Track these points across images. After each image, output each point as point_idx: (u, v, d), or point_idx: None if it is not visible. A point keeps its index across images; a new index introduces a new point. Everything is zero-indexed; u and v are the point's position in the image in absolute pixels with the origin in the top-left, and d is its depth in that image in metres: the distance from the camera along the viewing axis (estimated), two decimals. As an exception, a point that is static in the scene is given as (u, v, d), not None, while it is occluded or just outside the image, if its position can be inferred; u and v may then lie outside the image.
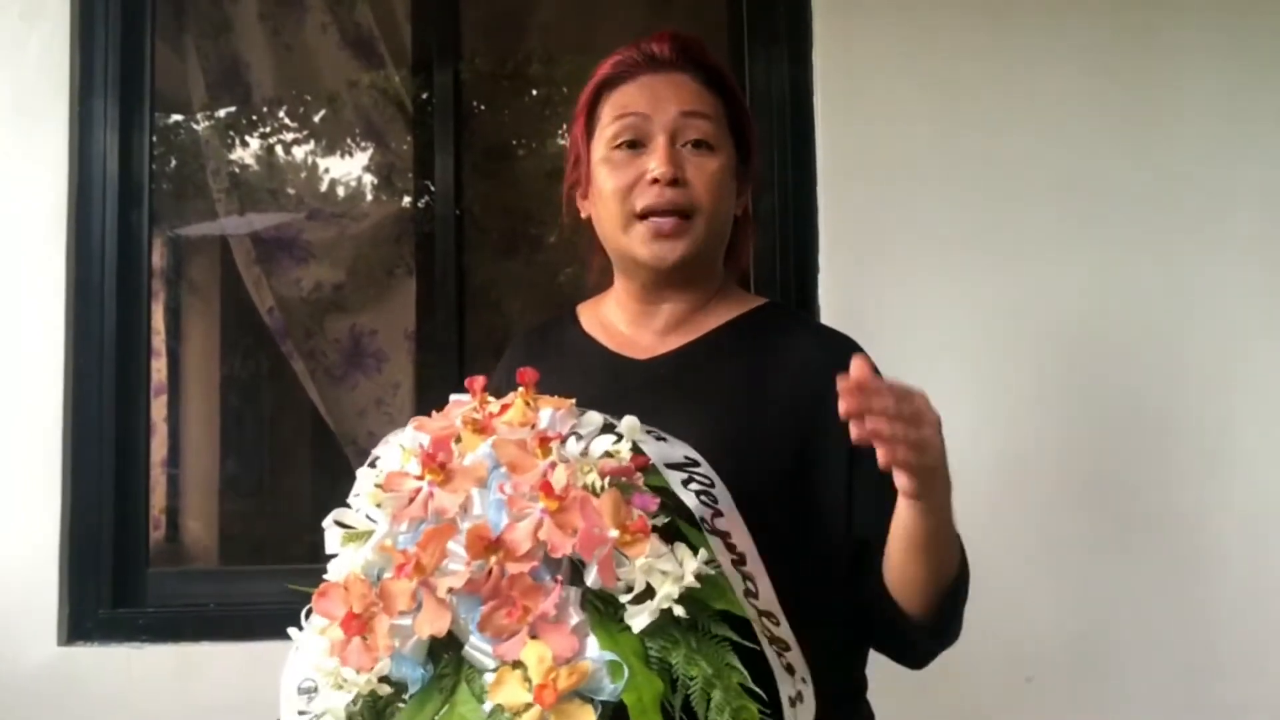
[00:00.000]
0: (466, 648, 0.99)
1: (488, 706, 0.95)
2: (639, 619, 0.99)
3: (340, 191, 3.21)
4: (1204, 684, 2.22)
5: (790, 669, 1.08)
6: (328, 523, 1.16)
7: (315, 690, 1.06)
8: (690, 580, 1.00)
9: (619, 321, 1.47)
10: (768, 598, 1.08)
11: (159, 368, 3.20)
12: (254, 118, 3.16)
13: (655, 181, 1.35)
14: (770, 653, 1.07)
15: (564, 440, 1.10)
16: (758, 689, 1.01)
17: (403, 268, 2.98)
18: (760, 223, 2.35)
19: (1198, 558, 2.25)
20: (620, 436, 1.12)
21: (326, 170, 3.22)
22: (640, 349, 1.43)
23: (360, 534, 1.12)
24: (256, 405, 3.41)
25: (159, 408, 3.17)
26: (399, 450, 1.15)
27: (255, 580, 2.54)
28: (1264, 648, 2.23)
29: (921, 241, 2.31)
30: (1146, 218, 2.30)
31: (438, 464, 1.03)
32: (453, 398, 1.20)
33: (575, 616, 0.97)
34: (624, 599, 1.00)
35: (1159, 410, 2.28)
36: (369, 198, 3.19)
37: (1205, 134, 2.31)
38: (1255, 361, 2.28)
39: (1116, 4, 2.34)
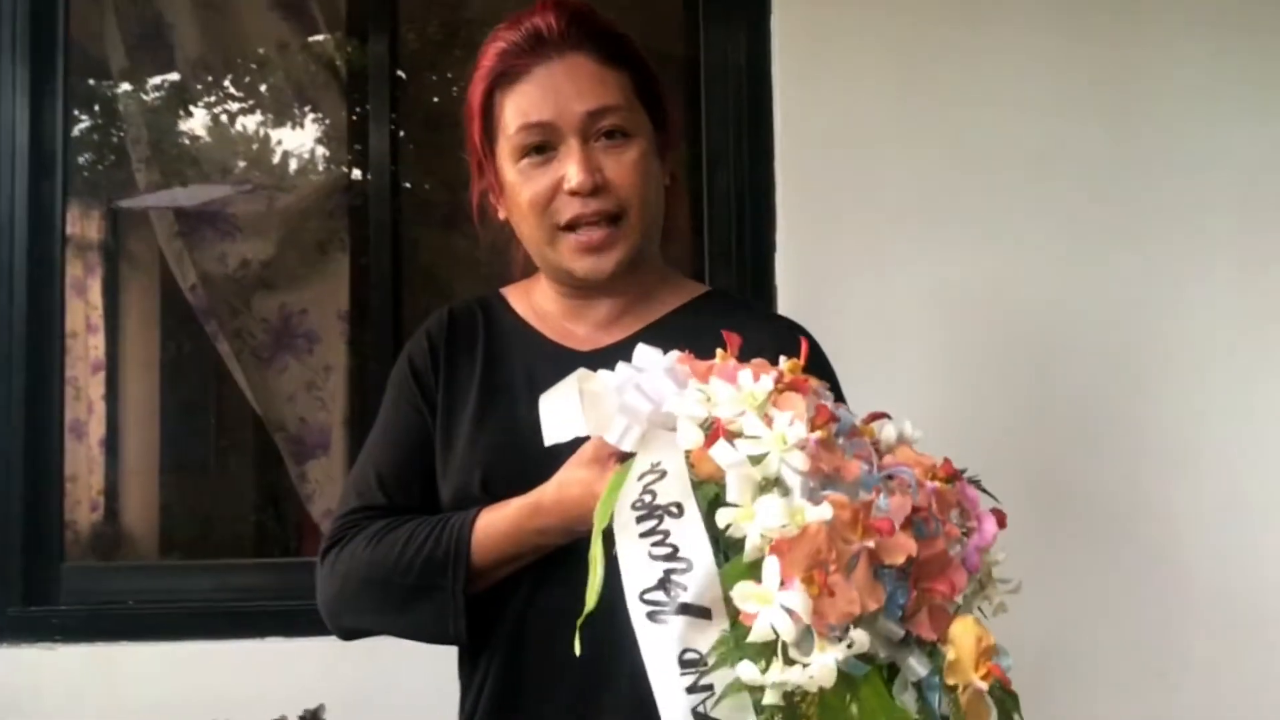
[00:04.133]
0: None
1: (907, 699, 0.92)
2: None
3: (271, 162, 3.13)
4: (1172, 684, 2.20)
5: None
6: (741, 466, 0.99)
7: (704, 663, 0.93)
8: None
9: (555, 311, 1.40)
10: None
11: (96, 344, 3.17)
12: (178, 84, 3.06)
13: (576, 193, 1.26)
14: None
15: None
16: None
17: (337, 244, 2.90)
18: (715, 199, 2.34)
19: (1166, 558, 2.22)
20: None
21: (256, 139, 3.12)
22: (580, 339, 1.36)
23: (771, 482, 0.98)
24: (195, 386, 3.37)
25: (97, 385, 3.15)
26: (693, 396, 1.02)
27: (179, 576, 2.48)
28: (1232, 649, 2.20)
29: (883, 220, 2.25)
30: (1118, 197, 2.26)
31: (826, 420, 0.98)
32: (675, 355, 1.09)
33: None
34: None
35: (1127, 407, 2.24)
36: (302, 169, 3.10)
37: (1183, 113, 2.26)
38: (1227, 359, 2.25)
39: (1091, -27, 2.31)
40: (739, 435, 0.95)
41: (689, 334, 1.32)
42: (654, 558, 0.96)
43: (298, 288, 2.87)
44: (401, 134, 2.59)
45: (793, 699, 0.88)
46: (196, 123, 3.12)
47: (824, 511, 0.88)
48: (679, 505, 0.97)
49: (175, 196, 2.84)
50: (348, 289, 2.88)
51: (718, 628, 0.91)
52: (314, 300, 2.88)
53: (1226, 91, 2.27)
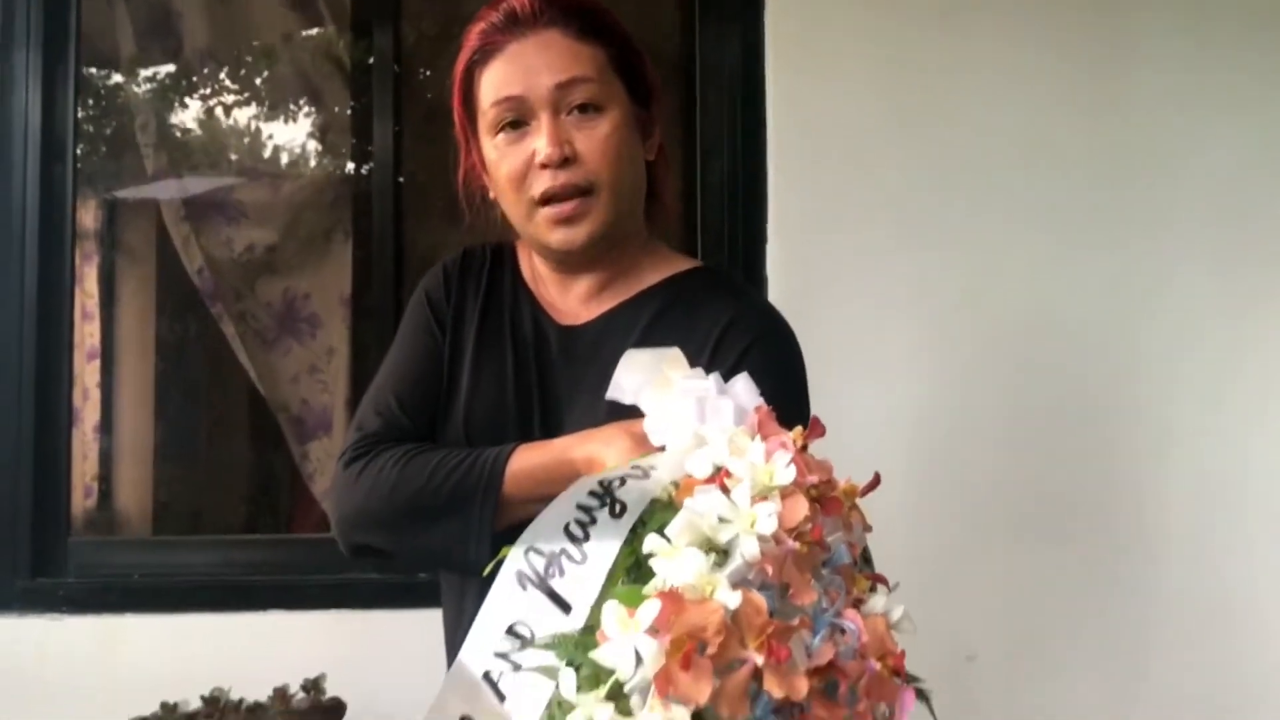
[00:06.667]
0: None
1: None
2: None
3: (275, 151, 3.13)
4: (1140, 660, 2.24)
5: None
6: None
7: (531, 642, 0.89)
8: None
9: (546, 278, 1.40)
10: None
11: (92, 331, 3.15)
12: (186, 73, 3.06)
13: (545, 165, 1.27)
14: None
15: None
16: None
17: (340, 232, 2.91)
18: (708, 192, 2.35)
19: (1136, 542, 2.26)
20: None
21: (260, 129, 3.15)
22: (561, 313, 1.38)
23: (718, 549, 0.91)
24: (193, 370, 3.34)
25: (92, 372, 3.13)
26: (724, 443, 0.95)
27: (182, 550, 2.50)
28: (1199, 626, 2.24)
29: (872, 214, 2.28)
30: (1099, 200, 2.29)
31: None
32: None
33: None
34: None
35: (1102, 396, 2.27)
36: (306, 159, 3.11)
37: (1159, 115, 2.30)
38: (1201, 352, 2.28)
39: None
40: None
41: (661, 310, 1.33)
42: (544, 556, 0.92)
43: (301, 273, 2.88)
44: (398, 128, 2.63)
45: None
46: (203, 112, 3.12)
47: (731, 599, 0.81)
48: (623, 506, 0.94)
49: (183, 185, 2.85)
50: (350, 274, 2.88)
51: (565, 624, 0.88)
52: (317, 285, 2.88)
53: (1200, 95, 2.30)
